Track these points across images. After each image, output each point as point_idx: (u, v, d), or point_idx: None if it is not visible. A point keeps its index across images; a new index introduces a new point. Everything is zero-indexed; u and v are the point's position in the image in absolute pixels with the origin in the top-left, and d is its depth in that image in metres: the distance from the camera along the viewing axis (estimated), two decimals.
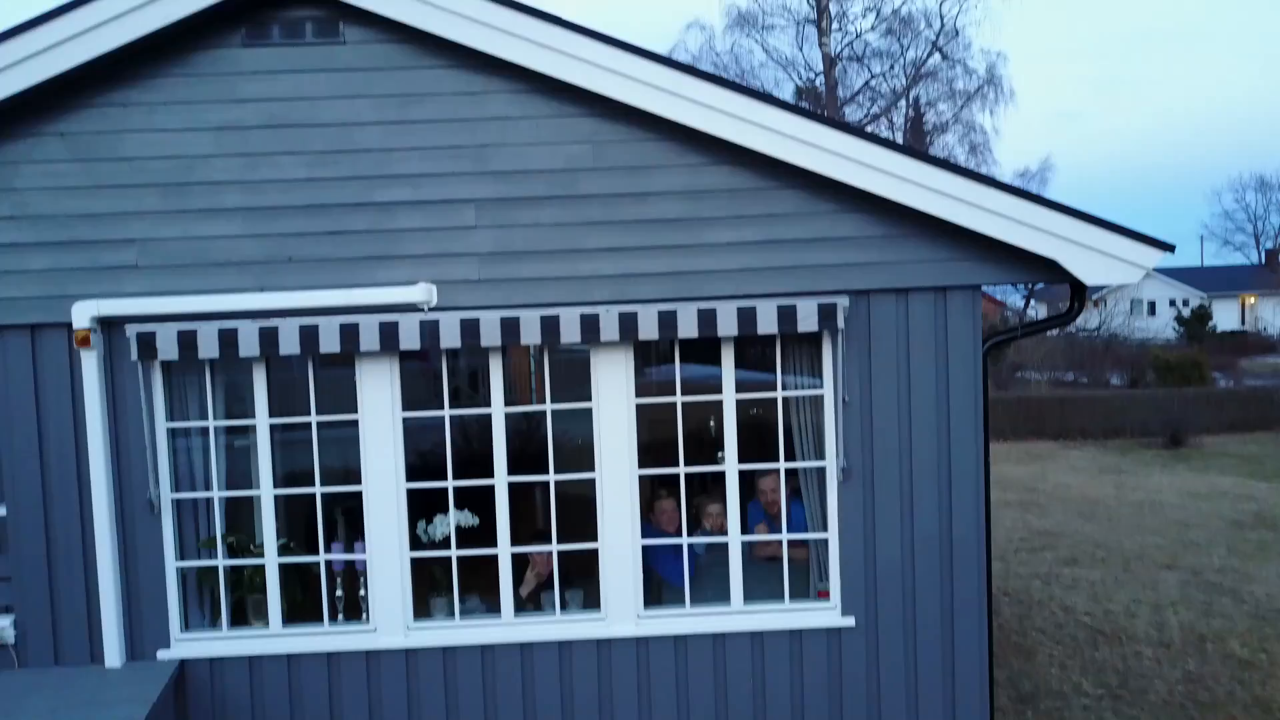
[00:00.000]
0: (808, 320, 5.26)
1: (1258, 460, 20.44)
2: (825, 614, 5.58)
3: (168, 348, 5.23)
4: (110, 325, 5.34)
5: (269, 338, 5.23)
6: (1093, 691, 8.91)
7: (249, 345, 5.23)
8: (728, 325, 5.25)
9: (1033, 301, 38.13)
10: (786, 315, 5.25)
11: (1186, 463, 20.30)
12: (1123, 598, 11.48)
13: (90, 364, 5.28)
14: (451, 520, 5.66)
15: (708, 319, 5.25)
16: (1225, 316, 51.05)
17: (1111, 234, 5.10)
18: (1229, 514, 15.59)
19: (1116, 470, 19.64)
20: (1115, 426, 23.81)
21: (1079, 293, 5.55)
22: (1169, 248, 5.14)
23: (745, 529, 5.66)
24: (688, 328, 5.25)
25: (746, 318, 5.25)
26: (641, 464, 5.55)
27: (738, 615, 5.57)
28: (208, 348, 5.23)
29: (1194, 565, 12.74)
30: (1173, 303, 51.36)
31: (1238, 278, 57.31)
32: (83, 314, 5.20)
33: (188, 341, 5.23)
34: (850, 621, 5.54)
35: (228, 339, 5.23)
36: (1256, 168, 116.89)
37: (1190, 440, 22.24)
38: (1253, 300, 54.89)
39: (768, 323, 5.25)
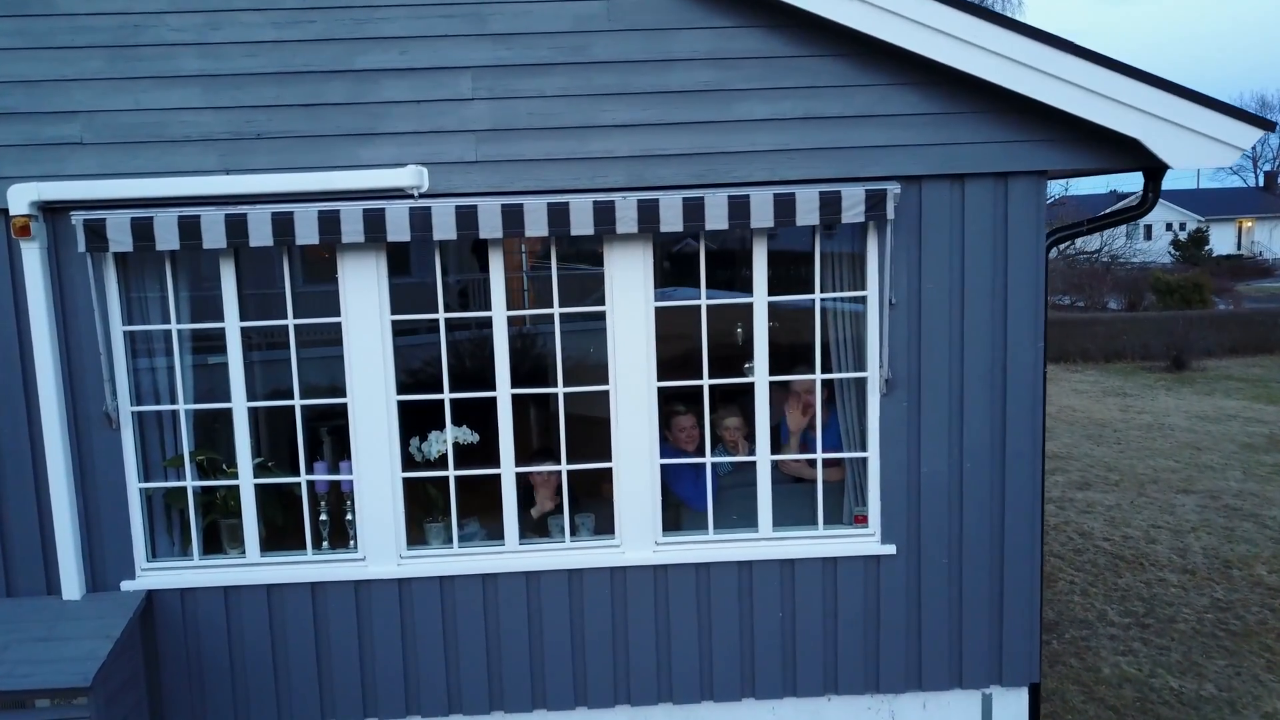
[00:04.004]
0: (854, 209, 4.61)
1: (1263, 383, 20.08)
2: (863, 541, 5.04)
3: (120, 237, 4.55)
4: (54, 212, 4.66)
5: (237, 226, 4.55)
6: (1119, 620, 8.50)
7: (214, 235, 4.56)
8: (763, 215, 4.60)
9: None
10: (830, 203, 4.61)
11: (1191, 385, 19.91)
12: (1141, 522, 11.07)
13: (33, 257, 4.61)
14: (449, 436, 5.06)
15: (739, 207, 4.60)
16: (1222, 240, 50.50)
17: (1204, 109, 4.45)
18: (1240, 437, 15.20)
19: (1121, 393, 19.24)
20: (1116, 349, 23.43)
21: (1154, 180, 4.92)
22: (1269, 125, 4.51)
23: (775, 446, 5.08)
24: (717, 217, 4.60)
25: (784, 206, 4.60)
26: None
27: (766, 542, 5.03)
28: (166, 237, 4.55)
29: (1210, 489, 12.35)
30: (1169, 226, 50.72)
31: (1235, 201, 56.63)
32: (20, 198, 4.51)
33: (143, 230, 4.55)
34: (890, 549, 5.00)
35: (189, 228, 4.55)
36: (1258, 88, 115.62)
37: (1193, 363, 21.87)
38: (1249, 224, 54.30)
39: (808, 212, 4.61)
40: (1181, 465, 13.53)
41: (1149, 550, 10.17)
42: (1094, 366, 22.73)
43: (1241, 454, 14.11)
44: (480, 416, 5.11)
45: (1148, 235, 49.10)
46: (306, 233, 4.56)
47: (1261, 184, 62.95)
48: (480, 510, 5.27)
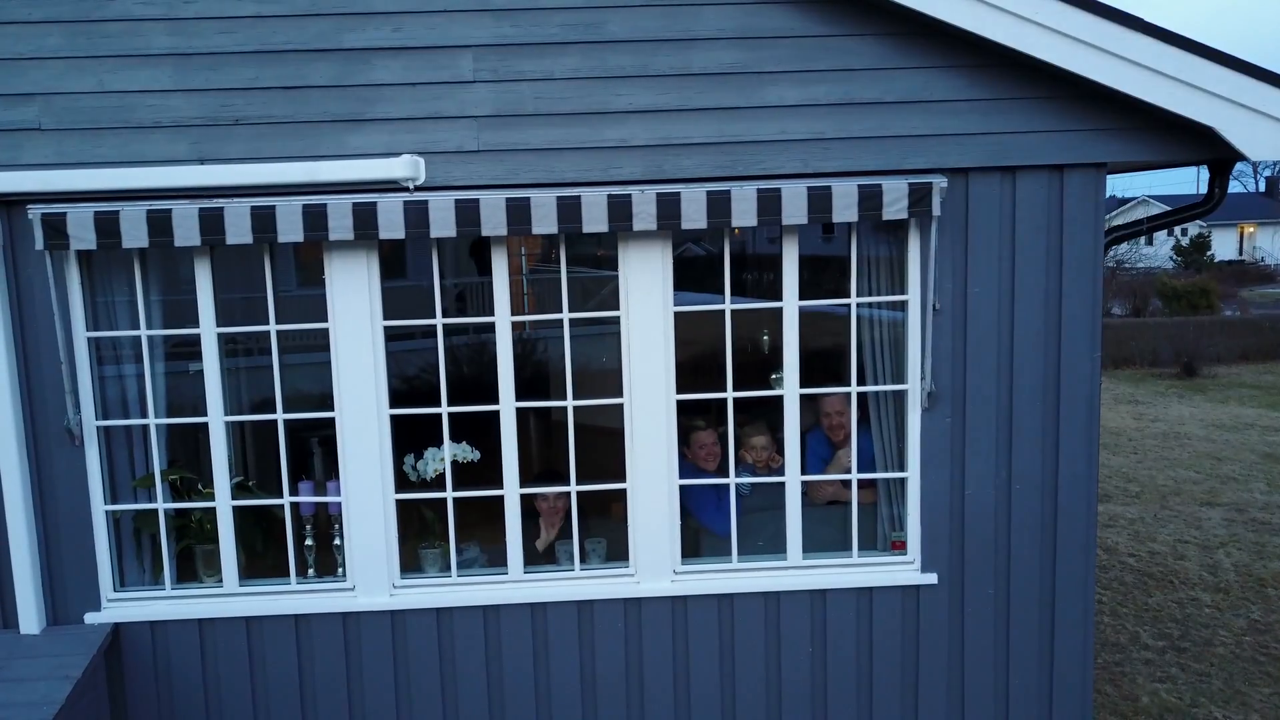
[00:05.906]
0: (895, 205, 4.17)
1: (1278, 390, 19.65)
2: (902, 569, 4.59)
3: (82, 234, 4.09)
4: (9, 205, 4.21)
5: (212, 222, 4.10)
6: (1153, 643, 8.06)
7: (187, 231, 4.10)
8: (795, 210, 4.16)
9: None
10: (869, 198, 4.16)
11: (1203, 393, 19.49)
12: (1166, 537, 10.64)
13: None
14: (446, 454, 4.61)
15: (770, 202, 4.15)
16: (1223, 246, 50.14)
17: None
18: (1260, 446, 14.78)
19: (1133, 400, 18.81)
20: (1124, 355, 22.98)
21: (1220, 175, 4.49)
22: None
23: (804, 465, 4.62)
24: (744, 213, 4.16)
25: (819, 201, 4.15)
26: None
27: (795, 571, 4.58)
28: (133, 234, 4.10)
29: (1236, 501, 11.92)
30: (1170, 232, 50.37)
31: (1236, 206, 56.29)
32: None
33: (108, 226, 4.09)
34: (931, 578, 4.56)
35: (159, 223, 4.09)
36: None
37: (1203, 369, 21.43)
38: (1251, 230, 53.97)
39: (845, 207, 4.16)
40: (1203, 476, 13.11)
41: (1178, 567, 9.74)
42: (1103, 372, 22.30)
43: (1264, 464, 13.68)
44: (481, 431, 4.66)
45: (1149, 240, 48.73)
46: (289, 229, 4.11)
47: (1262, 189, 62.66)
48: (480, 533, 4.82)
